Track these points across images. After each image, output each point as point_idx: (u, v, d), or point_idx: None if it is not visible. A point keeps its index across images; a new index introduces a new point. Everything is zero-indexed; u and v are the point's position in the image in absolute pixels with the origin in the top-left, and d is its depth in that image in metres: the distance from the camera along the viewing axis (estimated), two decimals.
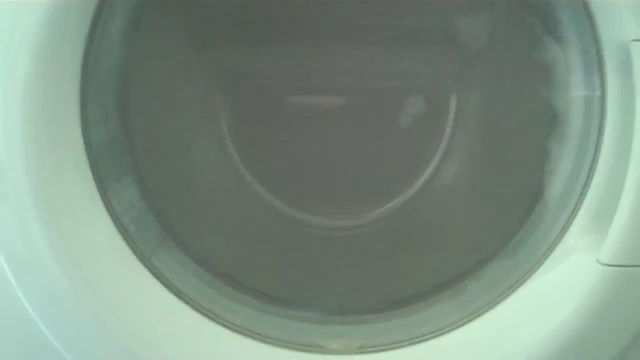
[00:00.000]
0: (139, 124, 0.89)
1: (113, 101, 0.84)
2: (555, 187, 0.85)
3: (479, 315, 0.79)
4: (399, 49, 1.00)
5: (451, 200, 1.03)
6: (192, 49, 0.98)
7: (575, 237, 0.78)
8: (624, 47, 0.68)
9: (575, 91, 0.83)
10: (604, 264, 0.71)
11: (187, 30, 0.97)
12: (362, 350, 0.80)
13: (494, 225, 0.92)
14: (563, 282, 0.76)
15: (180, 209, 0.93)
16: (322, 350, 0.80)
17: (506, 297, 0.79)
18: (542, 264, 0.79)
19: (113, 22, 0.78)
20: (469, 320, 0.79)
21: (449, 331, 0.79)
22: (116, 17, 0.79)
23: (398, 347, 0.79)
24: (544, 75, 0.87)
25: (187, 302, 0.78)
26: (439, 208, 1.03)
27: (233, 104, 1.02)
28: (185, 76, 0.98)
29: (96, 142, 0.76)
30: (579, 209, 0.78)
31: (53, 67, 0.70)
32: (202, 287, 0.84)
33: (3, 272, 0.73)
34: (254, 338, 0.78)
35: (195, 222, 0.94)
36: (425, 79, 1.02)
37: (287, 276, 0.95)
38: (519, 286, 0.79)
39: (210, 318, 0.78)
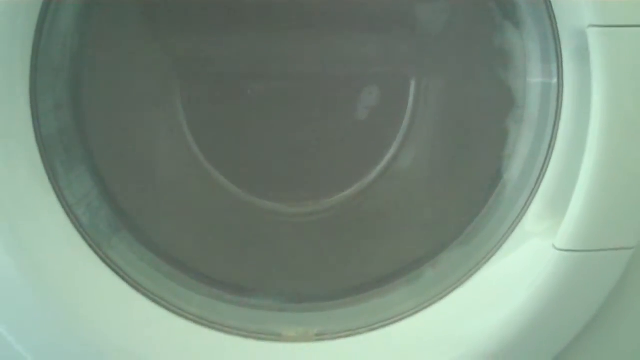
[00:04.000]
0: (92, 113, 0.88)
1: (65, 91, 0.83)
2: (513, 171, 0.85)
3: (436, 302, 0.80)
4: (358, 35, 0.99)
5: (410, 186, 1.03)
6: (144, 37, 0.96)
7: (532, 222, 0.79)
8: (581, 32, 0.68)
9: (533, 78, 0.83)
10: (559, 249, 0.72)
11: (139, 18, 0.95)
12: (319, 337, 0.81)
13: (453, 211, 0.93)
14: (519, 267, 0.77)
15: (135, 197, 0.92)
16: (280, 338, 0.80)
17: (462, 283, 0.80)
18: (498, 249, 0.80)
19: (63, 12, 0.77)
20: (426, 307, 0.80)
21: (406, 317, 0.80)
22: (66, 7, 0.77)
23: (356, 334, 0.80)
24: (503, 60, 0.87)
25: (141, 292, 0.77)
26: (397, 194, 1.03)
27: (189, 91, 1.00)
28: (139, 64, 0.96)
29: (47, 132, 0.75)
30: (535, 194, 0.79)
31: (2, 58, 0.68)
32: (157, 276, 0.84)
33: None
34: (210, 327, 0.78)
35: (150, 210, 0.93)
36: (385, 64, 1.02)
37: (244, 264, 0.94)
38: (475, 273, 0.80)
39: (165, 307, 0.78)
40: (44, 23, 0.72)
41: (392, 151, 1.03)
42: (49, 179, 0.74)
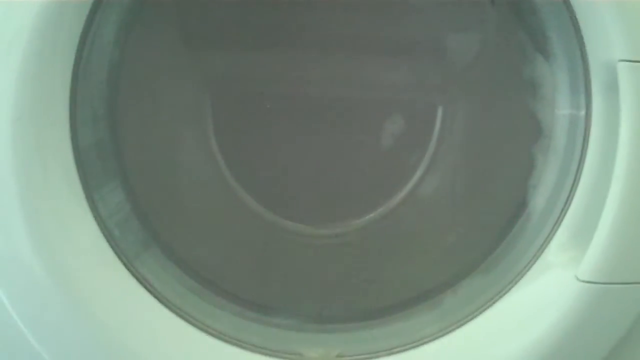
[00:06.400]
0: (127, 127, 0.89)
1: (102, 103, 0.83)
2: (538, 201, 0.85)
3: (456, 328, 0.79)
4: (388, 60, 1.00)
5: (434, 211, 1.04)
6: (182, 54, 0.98)
7: (555, 252, 0.78)
8: (611, 66, 0.69)
9: (561, 109, 0.84)
10: (582, 281, 0.72)
11: (177, 35, 0.97)
12: (340, 358, 0.81)
13: (476, 238, 0.93)
14: (540, 297, 0.77)
15: (165, 214, 0.93)
16: (301, 357, 0.80)
17: (483, 311, 0.79)
18: (520, 279, 0.79)
19: (106, 25, 0.78)
20: (447, 333, 0.79)
21: (426, 342, 0.79)
22: (109, 20, 0.79)
23: (376, 357, 0.79)
24: (531, 91, 0.87)
25: (167, 306, 0.78)
26: (421, 219, 1.04)
27: (221, 110, 1.02)
28: (174, 81, 0.98)
29: (84, 144, 0.76)
30: (559, 224, 0.79)
31: (45, 67, 0.69)
32: (184, 292, 0.84)
33: None
34: (233, 344, 0.78)
35: (179, 227, 0.94)
36: (413, 90, 1.03)
37: (268, 283, 0.95)
38: (496, 301, 0.79)
39: (190, 322, 0.78)
40: (88, 33, 0.73)
41: (417, 176, 1.04)
42: (83, 190, 0.75)
